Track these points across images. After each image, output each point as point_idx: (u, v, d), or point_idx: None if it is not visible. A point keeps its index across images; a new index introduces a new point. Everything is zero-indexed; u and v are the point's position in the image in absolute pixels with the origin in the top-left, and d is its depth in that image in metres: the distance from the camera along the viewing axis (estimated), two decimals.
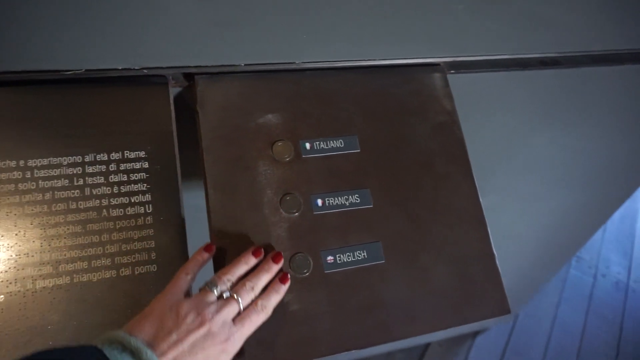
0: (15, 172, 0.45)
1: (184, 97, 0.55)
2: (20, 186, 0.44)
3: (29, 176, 0.45)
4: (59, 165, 0.46)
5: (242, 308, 0.43)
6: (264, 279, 0.46)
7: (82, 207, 0.45)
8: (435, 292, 0.53)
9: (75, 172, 0.46)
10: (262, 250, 0.48)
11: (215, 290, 0.43)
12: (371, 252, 0.52)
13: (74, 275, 0.44)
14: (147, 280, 0.45)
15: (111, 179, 0.47)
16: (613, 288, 2.09)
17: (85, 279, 0.44)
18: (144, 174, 0.48)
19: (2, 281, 0.42)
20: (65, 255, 0.44)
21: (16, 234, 0.43)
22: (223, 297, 0.43)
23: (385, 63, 0.59)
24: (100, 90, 0.50)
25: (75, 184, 0.46)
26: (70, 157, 0.46)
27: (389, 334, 0.51)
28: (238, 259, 0.46)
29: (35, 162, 0.45)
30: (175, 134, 0.50)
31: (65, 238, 0.44)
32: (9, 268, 0.42)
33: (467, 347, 1.75)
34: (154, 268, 0.46)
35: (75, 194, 0.46)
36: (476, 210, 0.58)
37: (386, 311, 0.51)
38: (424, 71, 0.61)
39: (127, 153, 0.48)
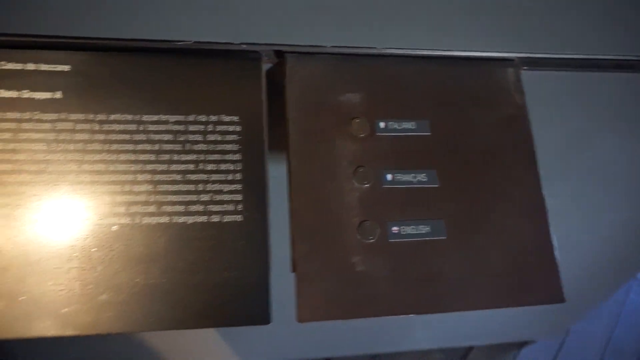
0: (131, 125, 0.52)
1: (272, 74, 0.61)
2: (135, 137, 0.52)
3: (142, 129, 0.52)
4: (167, 122, 0.53)
5: None
6: None
7: (182, 159, 0.52)
8: (490, 273, 0.56)
9: (179, 129, 0.53)
10: None
11: None
12: (434, 227, 0.55)
13: (173, 217, 0.50)
14: (232, 228, 0.51)
15: (208, 137, 0.53)
16: None
17: (181, 221, 0.50)
18: (236, 136, 0.54)
19: (116, 213, 0.49)
20: (166, 198, 0.51)
21: (128, 177, 0.50)
22: None
23: (462, 55, 0.62)
24: (203, 62, 0.56)
25: (178, 139, 0.53)
26: (176, 116, 0.53)
27: (443, 305, 0.54)
28: None
29: (147, 118, 0.53)
30: (265, 104, 0.56)
31: (167, 184, 0.51)
32: (122, 203, 0.50)
33: (511, 358, 1.73)
34: (240, 218, 0.52)
35: (178, 148, 0.52)
36: (538, 202, 0.60)
37: (442, 284, 0.54)
38: (498, 65, 0.64)
39: (223, 117, 0.54)
